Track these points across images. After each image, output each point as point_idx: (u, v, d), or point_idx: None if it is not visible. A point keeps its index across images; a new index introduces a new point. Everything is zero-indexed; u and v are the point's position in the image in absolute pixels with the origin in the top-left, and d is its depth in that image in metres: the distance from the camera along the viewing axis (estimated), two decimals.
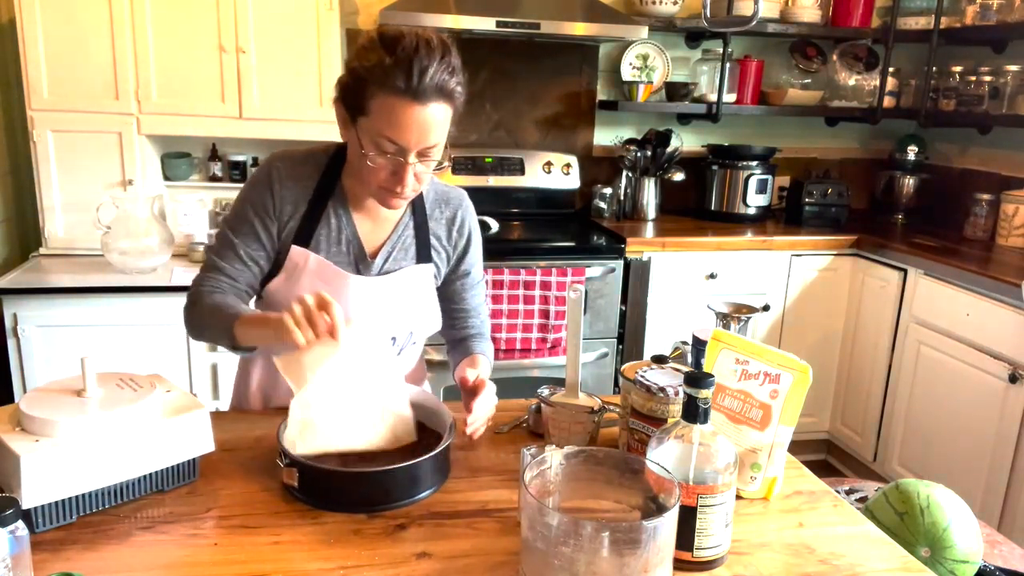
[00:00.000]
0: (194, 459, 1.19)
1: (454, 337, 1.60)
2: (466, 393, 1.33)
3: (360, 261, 1.44)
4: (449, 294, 1.57)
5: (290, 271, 1.41)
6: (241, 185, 3.02)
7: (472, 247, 1.55)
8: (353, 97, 1.28)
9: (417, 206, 1.47)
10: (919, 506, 1.31)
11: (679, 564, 1.01)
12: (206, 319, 1.37)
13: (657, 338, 3.12)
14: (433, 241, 1.50)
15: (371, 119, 1.26)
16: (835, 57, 3.61)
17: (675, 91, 3.43)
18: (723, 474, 1.01)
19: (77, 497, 1.07)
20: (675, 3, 3.27)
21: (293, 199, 1.40)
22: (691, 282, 3.12)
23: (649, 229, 3.32)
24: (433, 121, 1.25)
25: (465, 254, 1.54)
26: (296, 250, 1.40)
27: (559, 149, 3.49)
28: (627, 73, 3.52)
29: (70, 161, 2.70)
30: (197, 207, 2.93)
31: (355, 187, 1.42)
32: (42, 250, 2.78)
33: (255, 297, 1.49)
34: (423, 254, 1.48)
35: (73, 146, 2.69)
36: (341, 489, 1.15)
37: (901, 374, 3.02)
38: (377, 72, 1.23)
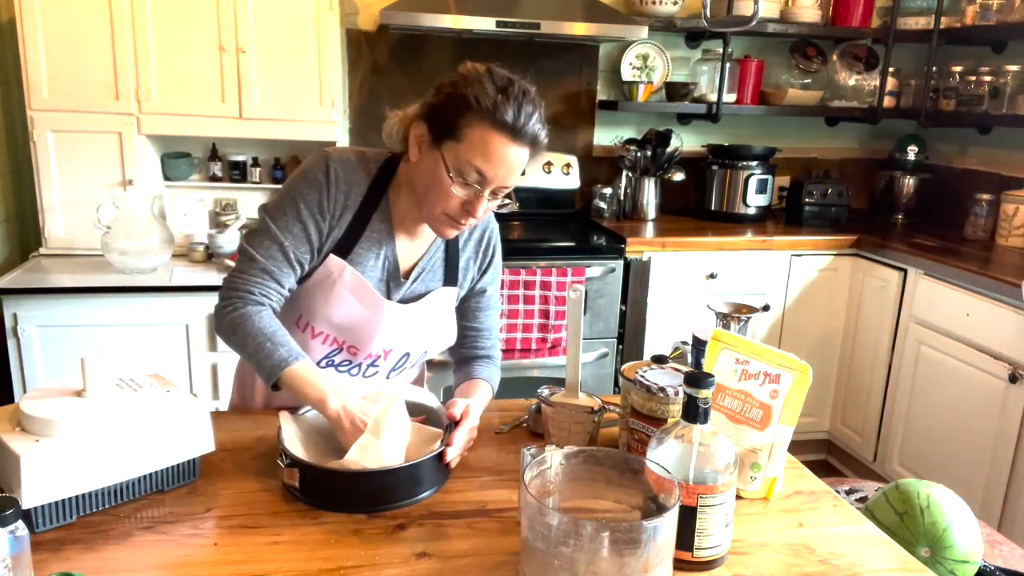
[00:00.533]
0: (194, 459, 1.19)
1: (462, 356, 1.58)
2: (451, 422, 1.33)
3: (392, 279, 1.43)
4: (464, 311, 1.56)
5: (322, 279, 1.38)
6: (242, 185, 3.06)
7: (493, 267, 1.54)
8: (446, 120, 1.27)
9: None
10: (919, 506, 1.31)
11: (679, 564, 1.01)
12: (250, 346, 1.30)
13: (657, 338, 3.12)
14: (461, 263, 1.50)
15: (463, 146, 1.26)
16: (835, 57, 3.61)
17: (675, 91, 3.43)
18: (723, 474, 1.01)
19: (77, 497, 1.07)
20: (675, 3, 3.27)
21: (343, 205, 1.36)
22: (691, 282, 3.12)
23: (649, 229, 3.32)
24: (521, 162, 1.28)
25: (486, 274, 1.54)
26: (334, 260, 1.37)
27: (559, 149, 3.49)
28: (627, 73, 3.52)
29: (70, 161, 2.70)
30: (197, 207, 2.93)
31: (402, 203, 1.39)
32: (42, 250, 2.78)
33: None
34: (451, 276, 1.48)
35: (73, 146, 2.69)
36: (342, 489, 1.15)
37: (901, 374, 3.02)
38: (485, 102, 1.24)
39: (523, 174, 1.34)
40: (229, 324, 1.32)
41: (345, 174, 1.35)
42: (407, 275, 1.44)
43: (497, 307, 1.60)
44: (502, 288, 2.81)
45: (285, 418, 1.25)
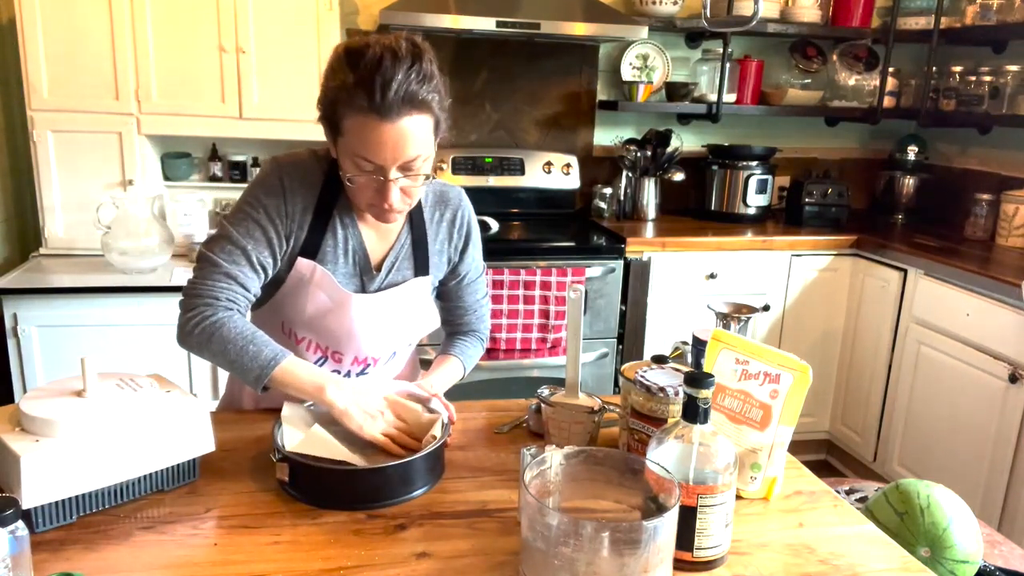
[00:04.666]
0: (194, 459, 1.19)
1: (447, 333, 1.60)
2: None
3: (365, 273, 1.41)
4: (447, 292, 1.55)
5: (295, 283, 1.38)
6: (242, 185, 3.05)
7: (471, 245, 1.52)
8: (328, 118, 1.25)
9: (415, 214, 1.44)
10: (919, 506, 1.31)
11: (679, 564, 1.01)
12: (231, 351, 1.26)
13: (657, 338, 3.12)
14: (435, 247, 1.47)
15: (346, 139, 1.23)
16: (835, 57, 3.61)
17: (675, 91, 3.43)
18: (723, 474, 1.01)
19: (77, 497, 1.07)
20: (675, 3, 3.27)
21: (302, 206, 1.34)
22: (691, 282, 3.12)
23: (649, 229, 3.32)
24: (407, 135, 1.21)
25: (464, 253, 1.52)
26: (303, 262, 1.36)
27: (559, 149, 3.49)
28: (627, 73, 3.52)
29: (70, 161, 2.70)
30: (197, 207, 2.93)
31: None
32: (42, 250, 2.78)
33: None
34: (421, 264, 1.46)
35: (73, 146, 2.69)
36: (332, 486, 1.15)
37: (901, 374, 3.02)
38: (342, 92, 1.19)
39: (447, 131, 1.29)
40: (201, 333, 1.27)
41: (300, 176, 1.35)
42: (379, 267, 1.42)
43: (481, 282, 1.58)
44: (502, 288, 2.82)
45: (290, 407, 1.25)
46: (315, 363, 1.44)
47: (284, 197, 1.33)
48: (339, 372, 1.46)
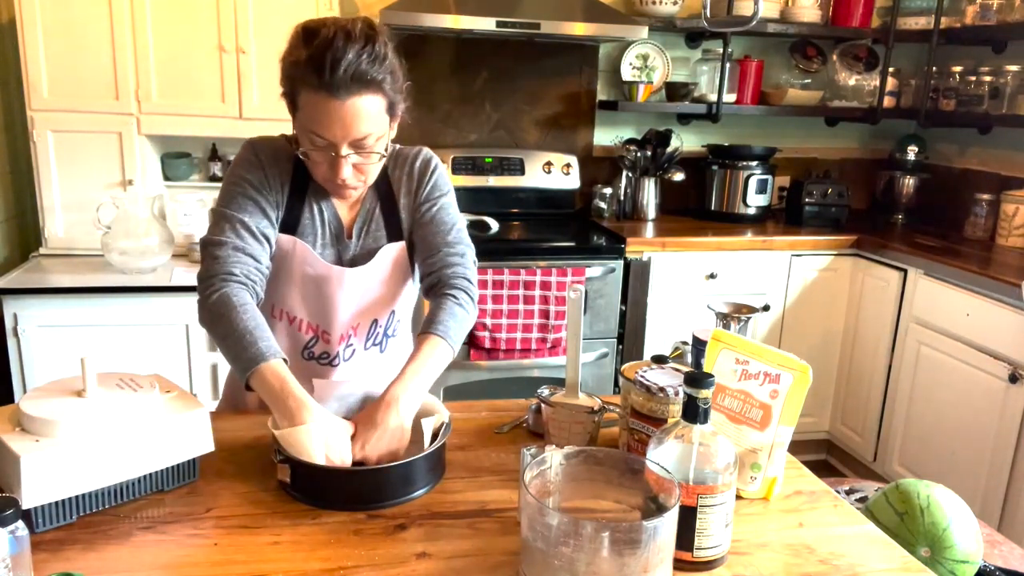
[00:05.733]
0: (194, 459, 1.19)
1: (426, 291, 1.46)
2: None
3: (340, 241, 1.44)
4: (417, 241, 1.46)
5: (279, 261, 1.42)
6: None
7: (431, 187, 1.45)
8: (287, 93, 1.30)
9: (380, 180, 1.43)
10: (919, 506, 1.31)
11: (679, 564, 1.01)
12: (231, 337, 1.25)
13: (657, 338, 3.12)
14: (402, 203, 1.46)
15: (301, 115, 1.28)
16: (835, 57, 3.61)
17: (675, 91, 3.43)
18: (723, 474, 1.01)
19: (77, 497, 1.07)
20: (675, 3, 3.27)
21: (280, 180, 1.40)
22: (691, 282, 3.12)
23: (649, 229, 3.32)
24: (357, 113, 1.24)
25: (420, 189, 1.45)
26: (284, 238, 1.40)
27: (559, 149, 3.49)
28: (627, 73, 3.52)
29: (70, 161, 2.70)
30: (197, 207, 2.92)
31: None
32: (42, 250, 2.78)
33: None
34: (394, 231, 1.47)
35: (73, 146, 2.69)
36: (333, 487, 1.15)
37: (901, 374, 3.02)
38: (296, 68, 1.23)
39: (398, 112, 1.30)
40: (214, 308, 1.27)
41: (273, 152, 1.40)
42: (349, 233, 1.45)
43: (450, 223, 1.45)
44: (502, 288, 2.81)
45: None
46: (307, 344, 1.47)
47: (264, 169, 1.38)
48: (328, 354, 1.47)
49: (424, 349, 1.30)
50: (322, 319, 1.46)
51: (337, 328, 1.46)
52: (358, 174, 1.32)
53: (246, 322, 1.25)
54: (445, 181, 1.50)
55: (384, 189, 1.46)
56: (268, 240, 1.37)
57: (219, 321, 1.27)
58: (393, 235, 1.47)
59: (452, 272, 1.42)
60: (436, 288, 1.42)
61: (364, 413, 1.23)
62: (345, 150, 1.27)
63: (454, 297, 1.39)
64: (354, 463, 1.19)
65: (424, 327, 1.34)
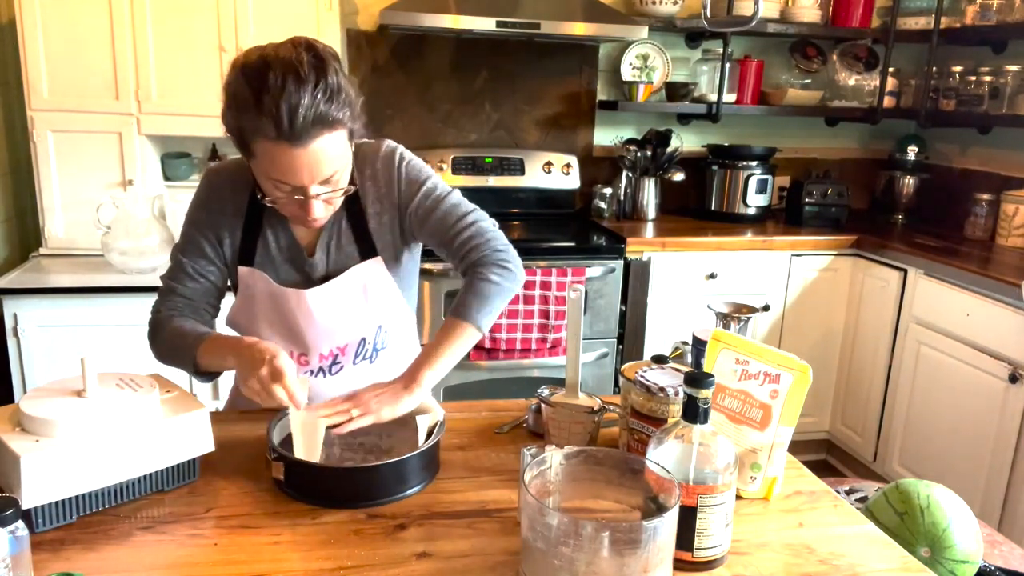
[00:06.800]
0: (194, 459, 1.19)
1: (462, 272, 1.42)
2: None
3: (303, 263, 1.40)
4: (431, 234, 1.41)
5: (245, 293, 1.42)
6: None
7: (403, 182, 1.39)
8: (237, 142, 1.22)
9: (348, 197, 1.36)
10: (919, 506, 1.31)
11: (679, 564, 1.01)
12: (168, 344, 1.36)
13: (657, 338, 3.12)
14: (372, 213, 1.39)
15: (258, 162, 1.21)
16: (835, 57, 3.61)
17: (675, 91, 3.43)
18: (723, 474, 1.01)
19: (77, 497, 1.07)
20: (675, 3, 3.27)
21: (232, 209, 1.38)
22: (691, 282, 3.12)
23: (649, 229, 3.32)
24: (322, 155, 1.18)
25: (396, 192, 1.39)
26: (244, 271, 1.40)
27: (559, 149, 3.49)
28: (627, 73, 3.52)
29: (70, 161, 2.70)
30: None
31: None
32: (42, 250, 2.78)
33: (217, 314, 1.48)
34: (366, 248, 1.40)
35: (73, 146, 2.69)
36: (326, 485, 1.15)
37: (901, 374, 3.02)
38: (246, 120, 1.16)
39: (357, 134, 1.26)
40: (152, 343, 1.40)
41: (231, 182, 1.39)
42: (312, 251, 1.40)
43: (445, 208, 1.39)
44: None
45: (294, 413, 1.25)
46: None
47: (208, 207, 1.40)
48: (311, 372, 1.46)
49: (442, 332, 1.33)
50: (295, 343, 1.43)
51: (315, 349, 1.44)
52: (328, 206, 1.29)
53: (182, 323, 1.36)
54: (416, 168, 1.41)
55: (349, 200, 1.37)
56: (206, 277, 1.41)
57: (156, 334, 1.38)
58: (366, 251, 1.41)
59: (471, 249, 1.38)
60: (466, 271, 1.40)
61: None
62: (315, 189, 1.22)
63: (480, 274, 1.36)
64: (345, 399, 1.24)
65: (453, 310, 1.36)
